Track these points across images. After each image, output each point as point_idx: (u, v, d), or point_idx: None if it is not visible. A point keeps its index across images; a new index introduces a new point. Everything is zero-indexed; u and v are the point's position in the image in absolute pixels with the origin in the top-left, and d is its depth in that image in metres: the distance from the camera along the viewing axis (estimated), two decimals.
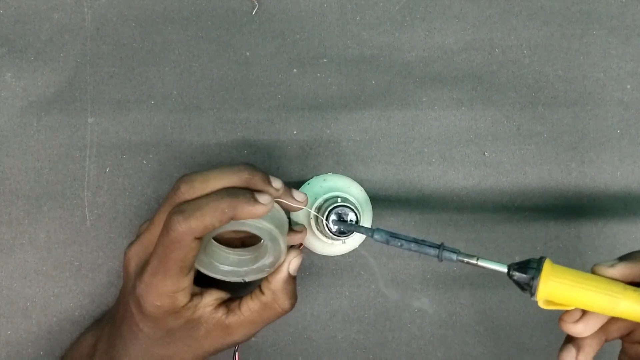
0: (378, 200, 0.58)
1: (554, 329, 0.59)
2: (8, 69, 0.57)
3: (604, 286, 0.44)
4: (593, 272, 0.46)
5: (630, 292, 0.44)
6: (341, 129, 0.58)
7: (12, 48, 0.57)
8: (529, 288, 0.45)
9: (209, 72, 0.58)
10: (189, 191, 0.47)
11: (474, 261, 0.46)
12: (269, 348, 0.58)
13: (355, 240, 0.57)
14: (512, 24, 0.59)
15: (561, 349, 0.48)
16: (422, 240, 0.48)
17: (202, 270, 0.50)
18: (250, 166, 0.48)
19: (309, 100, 0.58)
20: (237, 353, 0.54)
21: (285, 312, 0.50)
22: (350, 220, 0.53)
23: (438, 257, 0.47)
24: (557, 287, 0.45)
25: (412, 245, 0.48)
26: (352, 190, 0.57)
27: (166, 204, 0.48)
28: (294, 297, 0.51)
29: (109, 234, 0.58)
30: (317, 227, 0.54)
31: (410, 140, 0.59)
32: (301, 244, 0.57)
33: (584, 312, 0.45)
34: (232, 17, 0.58)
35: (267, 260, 0.50)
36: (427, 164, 0.59)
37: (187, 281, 0.47)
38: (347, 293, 0.59)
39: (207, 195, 0.46)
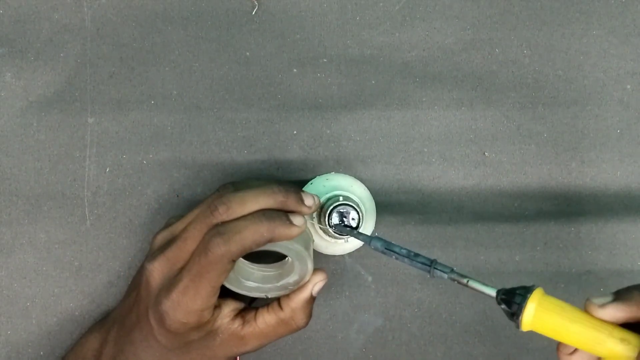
0: (378, 200, 0.58)
1: None
2: (8, 69, 0.57)
3: (589, 330, 0.42)
4: (585, 308, 0.44)
5: (616, 339, 0.42)
6: (341, 129, 0.58)
7: (12, 48, 0.57)
8: (513, 320, 0.44)
9: (209, 72, 0.58)
10: (226, 212, 0.47)
11: (464, 282, 0.46)
12: (269, 348, 0.58)
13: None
14: (512, 24, 0.59)
15: None
16: (416, 255, 0.47)
17: (227, 285, 0.50)
18: (284, 187, 0.49)
19: (309, 100, 0.58)
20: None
21: (300, 329, 0.51)
22: (353, 219, 0.53)
23: (429, 273, 0.47)
24: (539, 324, 0.43)
25: (405, 259, 0.47)
26: (355, 189, 0.56)
27: (200, 223, 0.48)
28: (310, 316, 0.51)
29: (109, 234, 0.58)
30: (319, 227, 0.54)
31: (410, 140, 0.59)
32: None
33: None
34: (232, 17, 0.58)
35: (292, 278, 0.50)
36: (427, 164, 0.59)
37: (214, 300, 0.48)
38: (347, 293, 0.59)
39: (245, 218, 0.47)
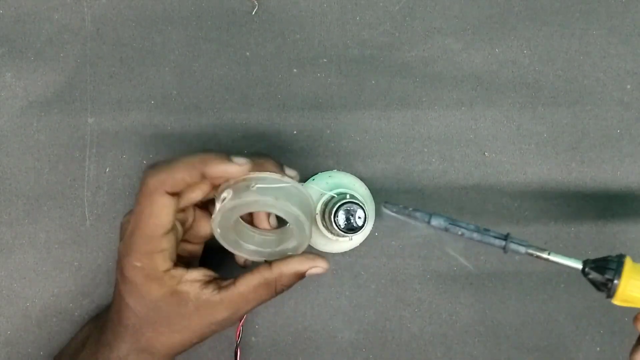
0: (378, 199, 0.58)
1: (554, 328, 0.59)
2: (8, 69, 0.57)
3: None
4: None
5: None
6: (341, 128, 0.58)
7: (12, 48, 0.57)
8: (605, 289, 0.43)
9: (209, 72, 0.58)
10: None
11: (545, 255, 0.43)
12: (269, 348, 0.58)
13: (359, 237, 0.57)
14: (512, 24, 0.59)
15: (634, 349, 0.46)
16: (486, 230, 0.44)
17: (228, 247, 0.50)
18: (266, 155, 0.50)
19: (309, 100, 0.58)
20: (238, 351, 0.54)
21: (279, 294, 0.50)
22: (359, 217, 0.52)
23: (504, 249, 0.43)
24: (636, 289, 0.42)
25: (474, 234, 0.44)
26: (357, 188, 0.57)
27: None
28: (290, 287, 0.50)
29: (109, 234, 0.58)
30: (322, 223, 0.54)
31: (410, 140, 0.59)
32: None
33: None
34: (232, 17, 0.58)
35: (291, 244, 0.50)
36: (427, 164, 0.59)
37: (166, 244, 0.47)
38: (347, 293, 0.59)
39: (181, 154, 0.47)
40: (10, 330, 0.57)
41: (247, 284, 0.49)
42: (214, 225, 0.48)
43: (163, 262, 0.47)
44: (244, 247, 0.51)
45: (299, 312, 0.59)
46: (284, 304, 0.58)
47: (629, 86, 0.59)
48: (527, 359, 0.59)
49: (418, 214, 0.45)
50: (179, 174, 0.46)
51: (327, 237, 0.55)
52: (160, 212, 0.46)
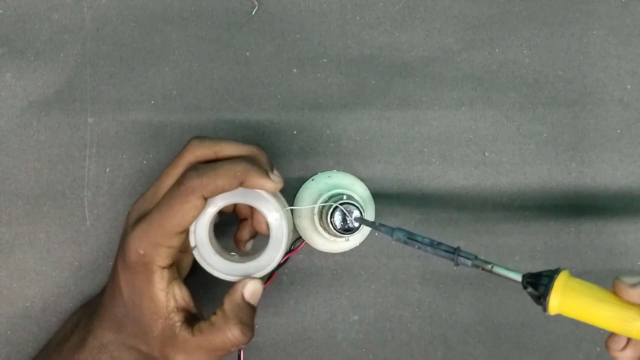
0: (378, 199, 0.58)
1: (554, 328, 0.59)
2: (8, 69, 0.57)
3: (618, 308, 0.42)
4: (614, 287, 0.43)
5: None
6: (341, 128, 0.58)
7: (12, 48, 0.57)
8: (540, 303, 0.44)
9: (209, 72, 0.58)
10: (199, 145, 0.49)
11: (489, 267, 0.45)
12: (269, 348, 0.58)
13: (357, 237, 0.57)
14: (512, 24, 0.59)
15: None
16: (439, 243, 0.47)
17: (194, 230, 0.49)
18: (260, 146, 0.50)
19: (309, 100, 0.58)
20: (241, 353, 0.54)
21: (237, 342, 0.47)
22: (355, 218, 0.52)
23: (453, 261, 0.46)
24: (567, 306, 0.43)
25: (429, 248, 0.47)
26: (356, 188, 0.57)
27: (176, 159, 0.49)
28: (247, 328, 0.48)
29: (109, 234, 0.58)
30: (320, 224, 0.54)
31: (410, 140, 0.59)
32: (303, 241, 0.57)
33: (629, 339, 0.44)
34: (232, 17, 0.58)
35: (248, 267, 0.50)
36: (427, 164, 0.59)
37: (175, 242, 0.47)
38: (347, 293, 0.59)
39: (223, 160, 0.48)
40: (10, 330, 0.57)
41: (200, 331, 0.48)
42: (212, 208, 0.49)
43: (165, 257, 0.47)
44: (210, 244, 0.50)
45: (299, 312, 0.59)
46: (284, 304, 0.59)
47: (629, 86, 0.59)
48: (527, 359, 0.59)
49: (383, 228, 0.49)
50: (221, 182, 0.46)
51: (324, 237, 0.55)
52: (188, 213, 0.47)
